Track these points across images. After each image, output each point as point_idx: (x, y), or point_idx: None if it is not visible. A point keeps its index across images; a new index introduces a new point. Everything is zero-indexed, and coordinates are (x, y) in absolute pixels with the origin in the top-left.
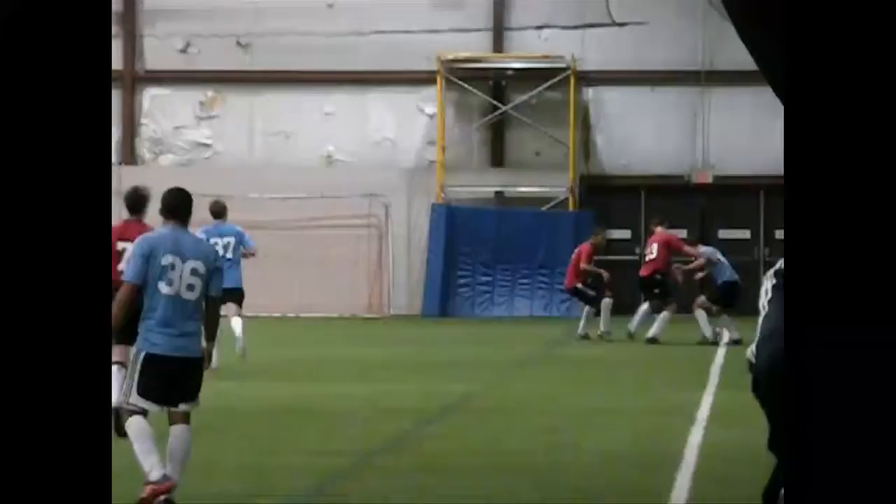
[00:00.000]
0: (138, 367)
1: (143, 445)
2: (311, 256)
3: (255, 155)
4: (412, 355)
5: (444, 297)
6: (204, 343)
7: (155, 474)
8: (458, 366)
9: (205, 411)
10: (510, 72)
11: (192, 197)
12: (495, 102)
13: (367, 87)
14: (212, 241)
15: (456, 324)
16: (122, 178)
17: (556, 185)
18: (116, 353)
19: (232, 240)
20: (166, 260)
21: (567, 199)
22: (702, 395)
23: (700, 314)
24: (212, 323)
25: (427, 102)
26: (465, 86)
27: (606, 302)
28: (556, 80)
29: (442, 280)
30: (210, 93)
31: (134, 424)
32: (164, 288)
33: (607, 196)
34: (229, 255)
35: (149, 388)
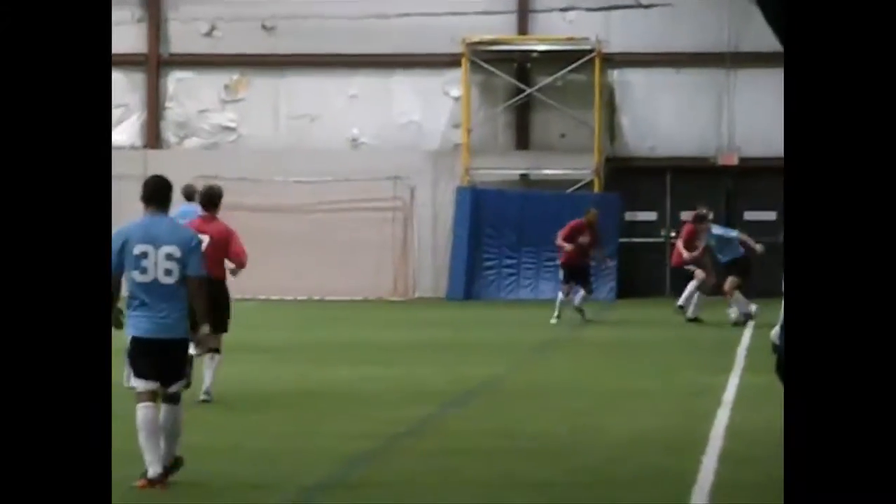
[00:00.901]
0: (130, 351)
1: (145, 438)
2: (335, 240)
3: (279, 138)
4: (437, 338)
5: (469, 280)
6: (200, 326)
7: (151, 471)
8: (483, 349)
9: (230, 395)
10: (535, 54)
11: (172, 183)
12: (520, 85)
13: (391, 70)
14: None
15: (481, 307)
16: (148, 162)
17: (581, 168)
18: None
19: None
20: (138, 249)
21: (592, 181)
22: (728, 377)
23: (736, 295)
24: (198, 303)
25: (452, 85)
26: (490, 68)
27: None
28: (581, 62)
29: (467, 263)
30: (235, 76)
31: (140, 415)
32: (138, 276)
33: (633, 178)
34: None
35: (140, 369)
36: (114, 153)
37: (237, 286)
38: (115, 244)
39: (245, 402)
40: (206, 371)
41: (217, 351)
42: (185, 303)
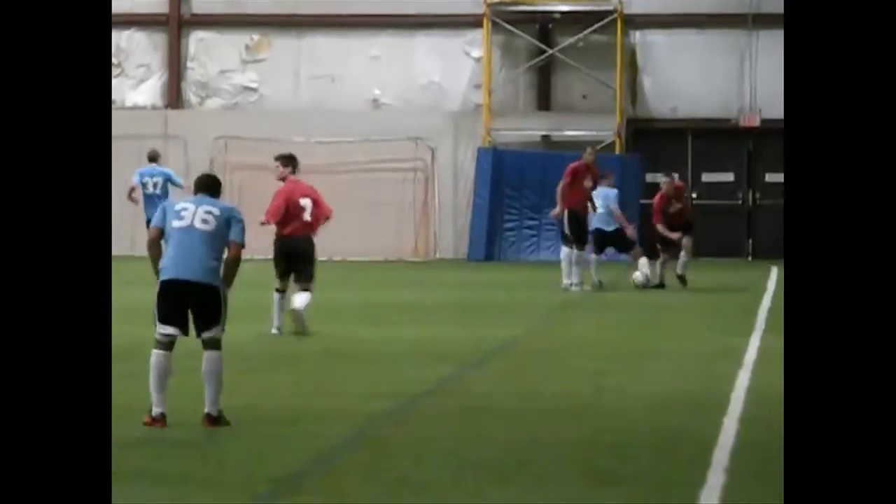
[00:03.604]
0: (157, 295)
1: (154, 380)
2: (357, 200)
3: (300, 99)
4: (458, 299)
5: (489, 241)
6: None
7: (155, 410)
8: (504, 309)
9: (250, 354)
10: (557, 15)
11: (221, 179)
12: (542, 45)
13: (413, 31)
14: (145, 179)
15: (502, 268)
16: (169, 122)
17: (602, 129)
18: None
19: (160, 179)
20: (179, 206)
21: (614, 142)
22: (749, 339)
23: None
24: (231, 267)
25: (473, 46)
26: (512, 29)
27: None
28: (602, 23)
29: (488, 224)
30: (256, 36)
31: (153, 358)
32: (176, 223)
33: (654, 139)
34: (158, 192)
35: (167, 313)
36: (135, 113)
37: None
38: (160, 209)
39: (265, 362)
40: (296, 301)
41: (307, 290)
42: (220, 258)
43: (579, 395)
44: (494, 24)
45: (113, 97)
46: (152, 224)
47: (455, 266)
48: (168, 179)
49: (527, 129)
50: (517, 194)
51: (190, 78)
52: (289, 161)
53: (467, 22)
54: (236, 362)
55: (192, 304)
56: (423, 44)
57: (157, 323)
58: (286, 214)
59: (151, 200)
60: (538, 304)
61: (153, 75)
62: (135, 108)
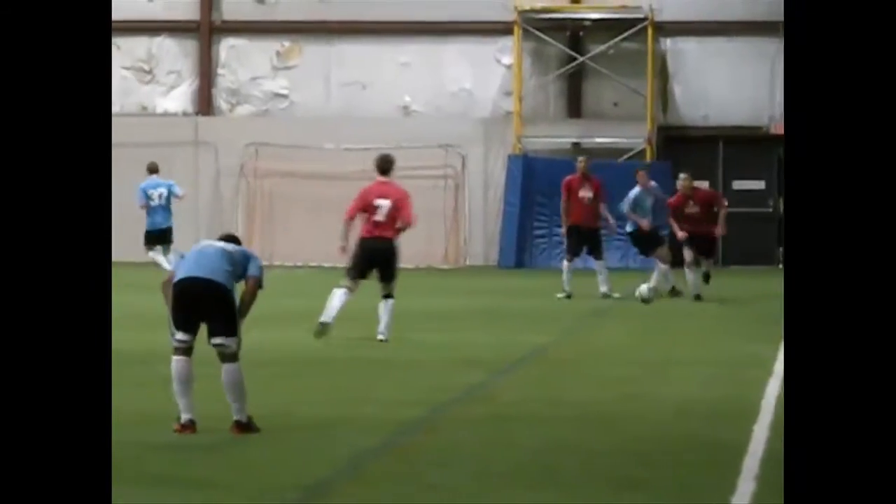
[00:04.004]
0: (172, 300)
1: (178, 387)
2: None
3: (331, 105)
4: (487, 306)
5: (520, 249)
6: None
7: (183, 417)
8: (533, 317)
9: (279, 361)
10: (587, 22)
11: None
12: (572, 53)
13: (444, 38)
14: (150, 192)
15: (531, 275)
16: (199, 129)
17: (633, 136)
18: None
19: (164, 190)
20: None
21: (644, 149)
22: (779, 346)
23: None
24: (246, 299)
25: (504, 53)
26: (543, 36)
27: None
28: (633, 30)
29: (518, 231)
30: (287, 43)
31: (173, 365)
32: (193, 247)
33: (685, 147)
34: (163, 203)
35: (182, 320)
36: (165, 120)
37: (286, 253)
38: (178, 256)
39: (294, 368)
40: (381, 315)
41: (390, 296)
42: (234, 274)
43: (607, 403)
44: (525, 31)
45: (144, 104)
46: (174, 268)
47: (485, 273)
48: (170, 190)
49: (557, 136)
50: (547, 201)
51: (220, 84)
52: (378, 162)
53: (498, 29)
54: (265, 368)
55: (206, 304)
56: (454, 51)
57: (173, 329)
58: (362, 216)
59: (156, 211)
60: (567, 312)
61: (184, 82)
62: (165, 114)
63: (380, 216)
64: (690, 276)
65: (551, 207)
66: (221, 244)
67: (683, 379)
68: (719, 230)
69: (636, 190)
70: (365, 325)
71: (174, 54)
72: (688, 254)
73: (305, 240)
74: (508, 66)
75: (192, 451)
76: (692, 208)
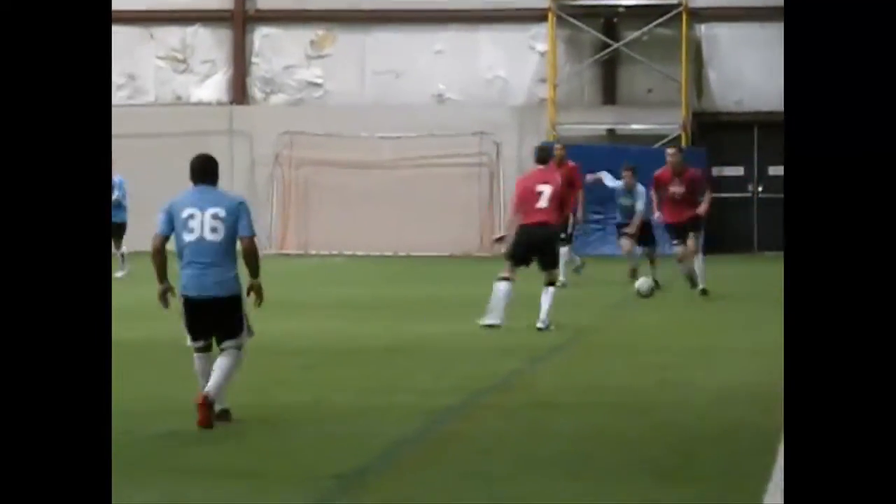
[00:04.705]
0: (182, 310)
1: (203, 381)
2: (421, 195)
3: (365, 94)
4: (523, 293)
5: None
6: (247, 281)
7: (204, 389)
8: (570, 303)
9: (315, 350)
10: (622, 8)
11: (218, 161)
12: (607, 39)
13: (477, 25)
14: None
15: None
16: (234, 118)
17: (668, 123)
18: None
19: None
20: (185, 213)
21: (679, 136)
22: None
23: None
24: (249, 260)
25: (538, 40)
26: (577, 23)
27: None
28: (667, 16)
29: None
30: (320, 32)
31: (195, 363)
32: (186, 236)
33: (719, 133)
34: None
35: (192, 328)
36: (200, 109)
37: (321, 242)
38: (163, 213)
39: (330, 357)
40: (542, 303)
41: (552, 284)
42: (235, 261)
43: (644, 390)
44: (559, 18)
45: (178, 93)
46: (158, 231)
47: None
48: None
49: (592, 123)
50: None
51: (255, 74)
52: (537, 152)
53: (532, 16)
54: (300, 357)
55: (216, 318)
56: (488, 38)
57: (188, 336)
58: (522, 203)
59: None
60: (604, 298)
61: (218, 71)
62: (200, 104)
63: (542, 202)
64: (685, 269)
65: (586, 194)
66: (212, 209)
67: (720, 365)
68: (703, 209)
69: (618, 183)
70: (400, 313)
71: (208, 43)
72: (678, 248)
73: (340, 228)
74: (543, 54)
75: (229, 442)
76: (677, 186)
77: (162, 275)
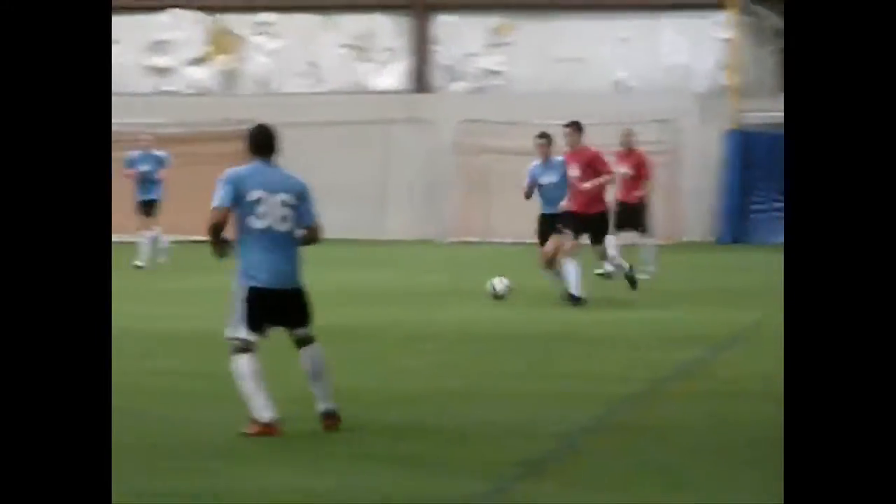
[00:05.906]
0: (245, 301)
1: (250, 385)
2: None
3: (545, 82)
4: (706, 282)
5: (738, 224)
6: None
7: (265, 416)
8: (752, 293)
9: (490, 337)
10: None
11: (277, 133)
12: None
13: (660, 13)
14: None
15: (750, 250)
16: (415, 106)
17: None
18: None
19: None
20: (253, 195)
21: None
22: None
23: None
24: (310, 244)
25: (720, 27)
26: (760, 9)
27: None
28: None
29: (736, 206)
30: (501, 19)
31: (240, 364)
32: (255, 222)
33: None
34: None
35: (258, 320)
36: (381, 97)
37: (502, 230)
38: (227, 180)
39: (506, 344)
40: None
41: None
42: (297, 253)
43: None
44: (742, 4)
45: (358, 81)
46: (219, 204)
47: (703, 248)
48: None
49: (775, 110)
50: (766, 175)
51: (435, 61)
52: (572, 131)
53: (714, 3)
54: (473, 345)
55: (289, 308)
56: (670, 26)
57: (244, 329)
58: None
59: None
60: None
61: (398, 59)
62: (381, 91)
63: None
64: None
65: (769, 182)
66: (281, 195)
67: None
68: (642, 192)
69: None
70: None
71: (388, 31)
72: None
73: (520, 216)
74: (725, 40)
75: (405, 430)
76: (625, 168)
77: (221, 249)
